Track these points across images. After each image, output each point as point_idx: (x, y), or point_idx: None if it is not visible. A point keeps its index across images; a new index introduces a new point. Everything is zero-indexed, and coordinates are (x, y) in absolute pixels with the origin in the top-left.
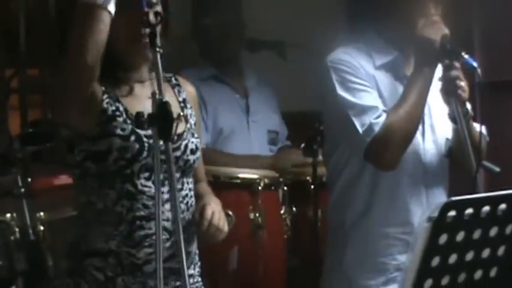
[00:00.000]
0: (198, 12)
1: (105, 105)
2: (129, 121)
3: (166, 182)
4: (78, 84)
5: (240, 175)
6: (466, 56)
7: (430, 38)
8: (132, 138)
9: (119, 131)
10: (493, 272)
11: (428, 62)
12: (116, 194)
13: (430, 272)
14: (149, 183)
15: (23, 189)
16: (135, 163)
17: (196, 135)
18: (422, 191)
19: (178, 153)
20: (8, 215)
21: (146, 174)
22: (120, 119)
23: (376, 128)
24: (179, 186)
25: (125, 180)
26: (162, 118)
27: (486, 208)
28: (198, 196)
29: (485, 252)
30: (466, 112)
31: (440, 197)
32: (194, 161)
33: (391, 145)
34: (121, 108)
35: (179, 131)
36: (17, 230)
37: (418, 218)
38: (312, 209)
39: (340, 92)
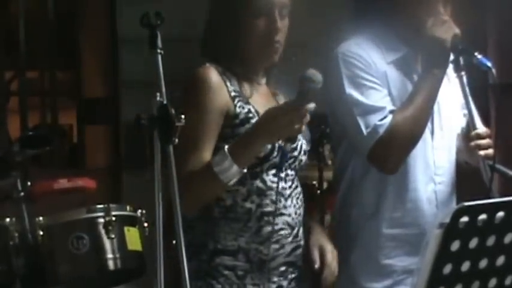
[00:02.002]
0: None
1: (237, 110)
2: None
3: (288, 178)
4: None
5: None
6: (480, 56)
7: (440, 38)
8: None
9: None
10: (508, 280)
11: (438, 62)
12: (246, 190)
13: (442, 279)
14: (276, 179)
15: (22, 193)
16: (266, 162)
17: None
18: (432, 190)
19: (295, 153)
20: (7, 219)
21: (273, 171)
22: (253, 121)
23: (381, 131)
24: (295, 183)
25: (254, 176)
26: (163, 121)
27: (500, 214)
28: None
29: (500, 260)
30: None
31: (449, 196)
32: (304, 161)
33: (394, 149)
34: (252, 110)
35: None
36: (16, 234)
37: (427, 219)
38: (318, 215)
39: (348, 88)
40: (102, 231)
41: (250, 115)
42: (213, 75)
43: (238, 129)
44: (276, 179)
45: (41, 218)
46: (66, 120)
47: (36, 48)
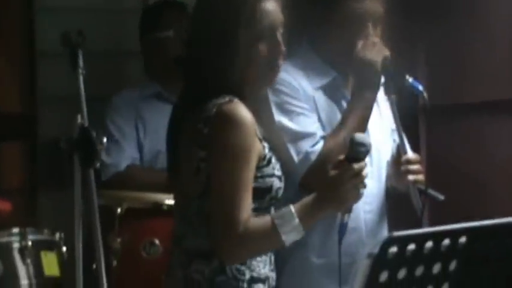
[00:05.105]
0: (155, 25)
1: (265, 151)
2: (277, 160)
3: None
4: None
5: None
6: (411, 79)
7: (370, 60)
8: (283, 178)
9: (276, 172)
10: None
11: (369, 85)
12: None
13: None
14: None
15: None
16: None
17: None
18: (361, 218)
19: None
20: None
21: None
22: (273, 160)
23: (313, 157)
24: None
25: None
26: (84, 144)
27: (429, 244)
28: None
29: None
30: None
31: (379, 224)
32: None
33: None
34: (268, 147)
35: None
36: None
37: (357, 248)
38: None
39: (278, 115)
40: (17, 257)
41: (270, 154)
42: (247, 112)
43: (262, 169)
44: None
45: None
46: None
47: None
